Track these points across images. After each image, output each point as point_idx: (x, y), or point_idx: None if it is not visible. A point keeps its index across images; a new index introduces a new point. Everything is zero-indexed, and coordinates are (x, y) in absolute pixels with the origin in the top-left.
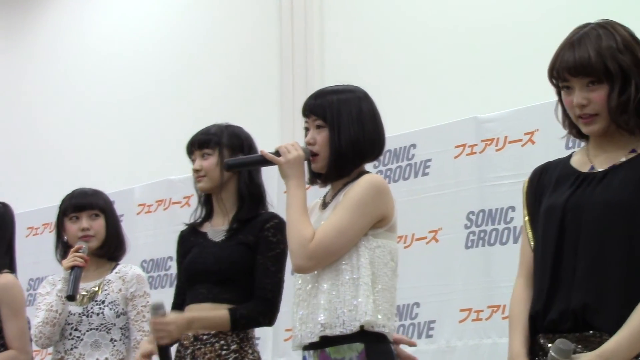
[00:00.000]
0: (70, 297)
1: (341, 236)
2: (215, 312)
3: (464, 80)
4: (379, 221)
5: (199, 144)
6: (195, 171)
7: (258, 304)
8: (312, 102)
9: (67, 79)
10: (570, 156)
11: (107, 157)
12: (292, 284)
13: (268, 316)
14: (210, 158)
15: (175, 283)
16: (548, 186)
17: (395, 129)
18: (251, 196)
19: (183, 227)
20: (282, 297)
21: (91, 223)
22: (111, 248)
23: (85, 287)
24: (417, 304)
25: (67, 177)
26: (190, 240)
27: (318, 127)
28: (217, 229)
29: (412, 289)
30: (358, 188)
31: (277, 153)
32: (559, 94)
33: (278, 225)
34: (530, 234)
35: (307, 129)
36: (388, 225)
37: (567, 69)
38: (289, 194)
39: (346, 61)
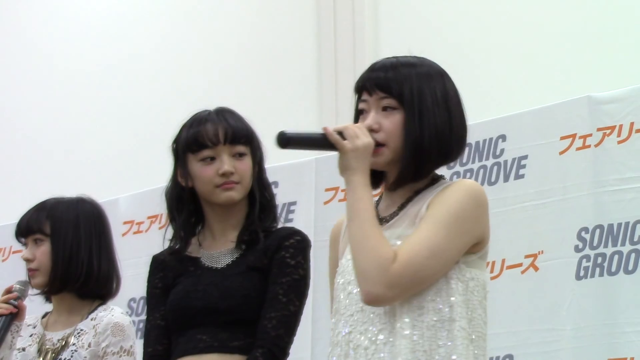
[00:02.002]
0: None
1: (434, 258)
2: None
3: (570, 48)
4: (475, 244)
5: (234, 135)
6: (226, 174)
7: (257, 356)
8: (381, 75)
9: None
10: None
11: (81, 158)
12: (325, 326)
13: None
14: (245, 158)
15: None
16: None
17: (477, 115)
18: (268, 206)
19: None
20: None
21: (34, 251)
22: (62, 282)
23: (52, 338)
24: (510, 357)
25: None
26: (175, 267)
27: (386, 108)
28: (216, 253)
29: (503, 336)
30: (455, 196)
31: (341, 134)
32: None
33: (300, 244)
34: None
35: (361, 112)
36: (483, 251)
37: None
38: (355, 194)
39: (408, 27)
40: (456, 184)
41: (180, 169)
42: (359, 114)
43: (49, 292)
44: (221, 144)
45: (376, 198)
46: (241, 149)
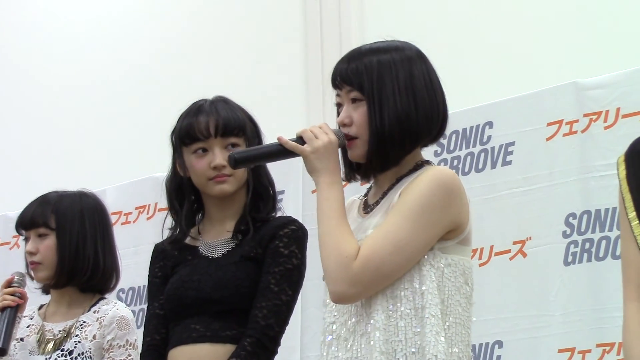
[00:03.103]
0: (1, 351)
1: (398, 253)
2: None
3: (556, 35)
4: (449, 231)
5: (225, 128)
6: (218, 168)
7: (245, 345)
8: (344, 67)
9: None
10: None
11: (68, 148)
12: (319, 316)
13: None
14: (239, 150)
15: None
16: None
17: (464, 102)
18: (266, 195)
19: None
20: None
21: (38, 245)
22: (69, 275)
23: (52, 329)
24: (500, 343)
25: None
26: (174, 255)
27: (354, 100)
28: (213, 242)
29: (491, 323)
30: (422, 186)
31: (300, 140)
32: None
33: (295, 234)
34: None
35: (339, 105)
36: (461, 237)
37: None
38: (320, 194)
39: (394, 14)
40: (425, 173)
41: (178, 160)
42: (338, 107)
43: (53, 286)
44: (212, 137)
45: (367, 186)
46: (234, 140)
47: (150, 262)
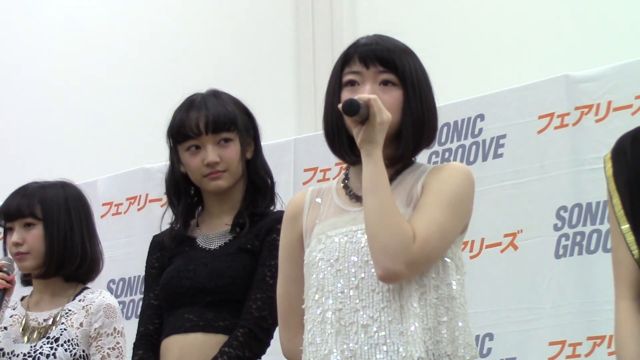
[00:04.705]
0: None
1: (444, 239)
2: None
3: (548, 27)
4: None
5: (216, 124)
6: (211, 165)
7: (238, 335)
8: (384, 49)
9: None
10: None
11: (59, 139)
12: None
13: (253, 351)
14: (232, 145)
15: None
16: None
17: (456, 94)
18: (264, 188)
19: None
20: None
21: (24, 235)
22: (58, 265)
23: (37, 318)
24: (490, 336)
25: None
26: (172, 247)
27: (386, 82)
28: (211, 234)
29: (482, 315)
30: (456, 179)
31: (354, 104)
32: None
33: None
34: (630, 238)
35: (351, 82)
36: (465, 232)
37: None
38: (376, 167)
39: (386, 7)
40: (450, 165)
41: (175, 156)
42: (342, 85)
43: (41, 276)
44: (204, 134)
45: (344, 172)
46: (225, 135)
47: (148, 253)
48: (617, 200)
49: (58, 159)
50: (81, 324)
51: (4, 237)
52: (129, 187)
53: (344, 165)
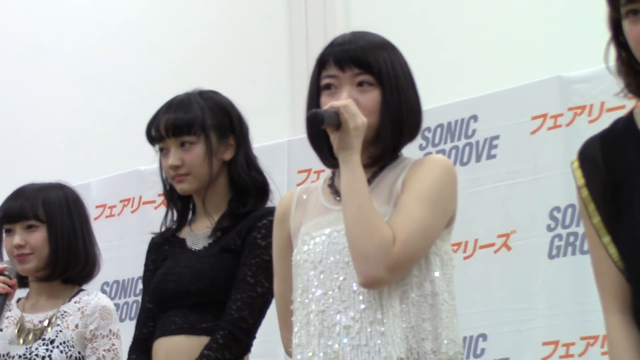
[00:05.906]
0: None
1: (425, 239)
2: None
3: (541, 28)
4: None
5: (175, 128)
6: (173, 168)
7: (217, 338)
8: (357, 50)
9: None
10: (631, 117)
11: (53, 141)
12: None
13: (234, 352)
14: (194, 148)
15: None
16: (628, 170)
17: (449, 95)
18: (255, 187)
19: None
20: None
21: (26, 237)
22: (63, 268)
23: (32, 319)
24: (484, 336)
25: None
26: (164, 249)
27: (362, 84)
28: (199, 234)
29: (476, 316)
30: (434, 173)
31: (335, 114)
32: (615, 26)
33: (273, 225)
34: (612, 250)
35: (327, 87)
36: (452, 225)
37: None
38: (354, 173)
39: (379, 5)
40: (429, 160)
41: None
42: (321, 88)
43: (45, 278)
44: (166, 137)
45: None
46: (186, 138)
47: (146, 255)
48: (594, 212)
49: (51, 161)
50: (77, 326)
51: (1, 239)
52: (122, 190)
53: None
